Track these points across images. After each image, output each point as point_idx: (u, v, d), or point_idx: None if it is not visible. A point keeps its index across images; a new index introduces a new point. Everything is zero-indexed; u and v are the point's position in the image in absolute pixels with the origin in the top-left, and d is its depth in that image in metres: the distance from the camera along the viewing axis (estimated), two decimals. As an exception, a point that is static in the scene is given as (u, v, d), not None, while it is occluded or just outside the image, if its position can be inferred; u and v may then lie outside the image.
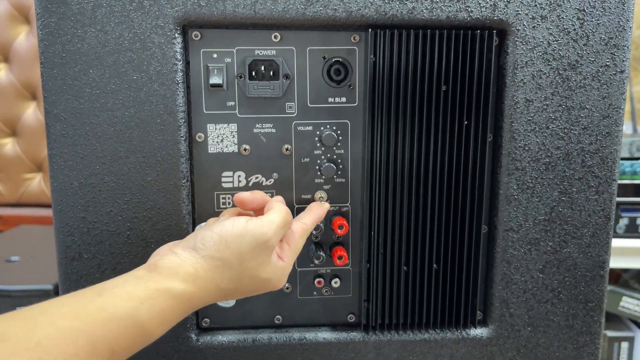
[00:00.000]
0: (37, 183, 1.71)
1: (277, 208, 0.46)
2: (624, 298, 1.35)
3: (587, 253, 0.56)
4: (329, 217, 0.56)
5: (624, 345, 1.35)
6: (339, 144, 0.55)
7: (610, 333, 1.37)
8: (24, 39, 1.63)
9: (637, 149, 1.27)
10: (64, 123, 0.50)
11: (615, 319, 1.42)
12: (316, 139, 0.54)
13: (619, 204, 1.26)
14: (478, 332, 0.57)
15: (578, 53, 0.52)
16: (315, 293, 0.58)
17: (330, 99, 0.54)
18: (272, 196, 0.55)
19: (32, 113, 1.66)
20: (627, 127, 1.50)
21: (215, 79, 0.51)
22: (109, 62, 0.49)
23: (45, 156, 1.68)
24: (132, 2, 0.48)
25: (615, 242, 1.25)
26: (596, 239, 0.56)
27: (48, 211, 1.69)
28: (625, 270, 1.50)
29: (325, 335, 0.57)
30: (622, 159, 1.27)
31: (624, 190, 1.27)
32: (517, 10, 0.51)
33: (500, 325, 0.57)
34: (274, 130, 0.54)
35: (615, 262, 1.26)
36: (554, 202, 0.55)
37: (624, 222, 1.28)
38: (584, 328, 0.58)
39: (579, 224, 0.55)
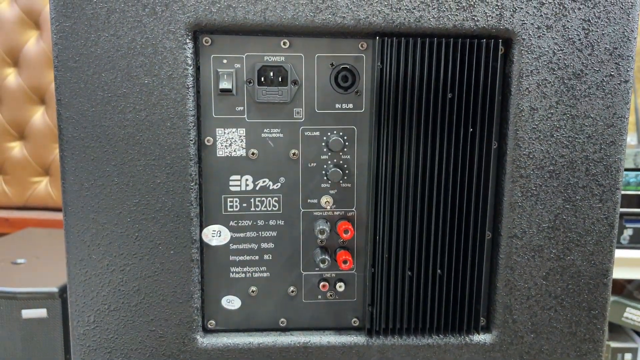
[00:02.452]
0: (44, 186, 1.73)
1: None
2: (627, 309, 1.35)
3: (591, 261, 0.56)
4: (334, 222, 0.56)
5: (628, 356, 1.35)
6: (345, 149, 0.55)
7: (614, 344, 1.37)
8: (34, 43, 1.65)
9: (642, 159, 1.28)
10: (76, 125, 0.51)
11: (618, 330, 1.42)
12: (323, 144, 0.55)
13: (623, 214, 1.26)
14: (481, 337, 0.58)
15: (583, 62, 0.53)
16: (320, 297, 0.58)
17: (338, 105, 0.55)
18: (278, 201, 0.56)
19: (40, 117, 1.68)
20: (632, 138, 1.50)
21: (224, 84, 0.52)
22: (121, 66, 0.50)
23: (52, 160, 1.70)
24: (144, 7, 0.49)
25: (620, 253, 1.25)
26: (600, 247, 0.56)
27: (54, 214, 1.71)
28: (630, 281, 1.49)
29: (329, 338, 0.57)
30: (627, 169, 1.27)
31: (629, 201, 1.27)
32: (523, 20, 0.52)
33: (503, 331, 0.57)
34: (281, 135, 0.55)
35: (619, 273, 1.26)
36: (558, 210, 0.55)
37: (628, 232, 1.28)
38: (587, 335, 0.58)
39: (582, 232, 0.56)
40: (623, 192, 1.26)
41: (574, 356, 0.58)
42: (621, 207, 1.29)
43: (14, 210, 1.74)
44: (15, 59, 1.67)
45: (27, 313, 1.13)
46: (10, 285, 1.14)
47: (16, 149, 1.72)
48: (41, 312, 1.14)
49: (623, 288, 1.50)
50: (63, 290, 1.14)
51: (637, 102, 1.45)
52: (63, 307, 1.14)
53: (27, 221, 1.69)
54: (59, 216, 1.69)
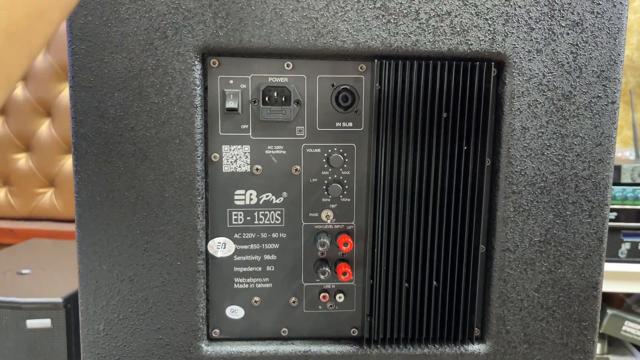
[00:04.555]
0: (48, 198, 1.75)
1: None
2: (626, 322, 1.36)
3: (581, 274, 0.59)
4: (334, 235, 0.59)
5: (626, 369, 1.36)
6: (345, 165, 0.58)
7: (613, 357, 1.38)
8: (41, 57, 1.68)
9: (639, 174, 1.29)
10: (90, 141, 0.53)
11: (618, 344, 1.43)
12: (324, 160, 0.58)
13: (621, 228, 1.28)
14: (476, 347, 0.60)
15: (571, 84, 0.55)
16: (320, 307, 0.60)
17: (338, 124, 0.57)
18: (280, 214, 0.58)
19: (46, 129, 1.71)
20: (630, 154, 1.52)
21: (231, 104, 0.55)
22: (133, 86, 0.53)
23: (57, 171, 1.72)
24: (156, 31, 0.52)
25: (618, 267, 1.27)
26: (589, 260, 0.58)
27: (59, 225, 1.73)
28: (629, 295, 1.51)
29: (329, 348, 0.59)
30: (625, 184, 1.29)
31: (627, 215, 1.29)
32: (514, 44, 0.55)
33: (497, 341, 0.59)
34: (284, 152, 0.57)
35: (617, 287, 1.28)
36: (549, 225, 0.58)
37: (626, 246, 1.29)
38: (578, 346, 0.60)
39: (573, 246, 0.58)
40: (621, 207, 1.28)
41: (565, 366, 0.60)
42: (619, 221, 1.31)
43: (19, 221, 1.77)
44: (23, 73, 1.70)
45: (31, 323, 1.15)
46: (15, 296, 1.16)
47: (22, 160, 1.74)
48: (45, 322, 1.16)
49: (623, 302, 1.51)
50: (67, 300, 1.16)
51: (635, 118, 1.47)
52: (67, 317, 1.16)
53: (32, 232, 1.71)
54: (63, 227, 1.72)
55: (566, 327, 0.59)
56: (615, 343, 1.43)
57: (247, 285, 0.59)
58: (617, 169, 1.28)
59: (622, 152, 1.54)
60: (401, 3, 0.53)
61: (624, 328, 1.37)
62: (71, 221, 1.71)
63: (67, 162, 1.72)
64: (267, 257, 0.59)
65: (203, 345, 0.58)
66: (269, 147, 0.57)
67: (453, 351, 0.59)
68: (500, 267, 0.58)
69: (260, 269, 0.59)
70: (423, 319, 0.59)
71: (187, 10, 0.52)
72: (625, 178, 1.31)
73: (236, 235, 0.58)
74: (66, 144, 1.71)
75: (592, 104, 0.56)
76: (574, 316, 0.59)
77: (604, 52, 0.55)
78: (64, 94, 1.68)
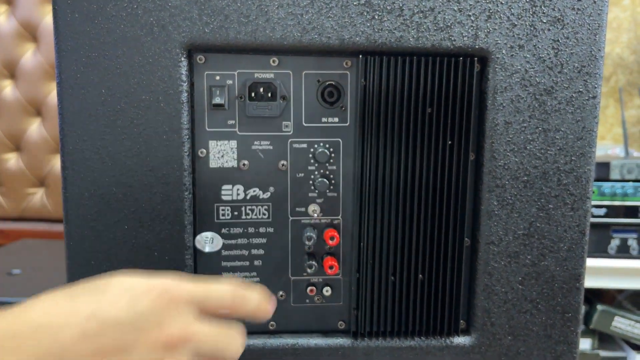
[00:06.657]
0: (39, 198, 1.74)
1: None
2: (616, 318, 1.37)
3: (564, 266, 0.59)
4: (321, 229, 0.59)
5: (616, 364, 1.37)
6: (331, 160, 0.58)
7: (604, 353, 1.39)
8: (31, 56, 1.68)
9: (628, 171, 1.31)
10: (77, 138, 0.54)
11: (608, 339, 1.44)
12: (310, 155, 0.58)
13: (610, 224, 1.29)
14: (461, 340, 0.60)
15: (553, 80, 0.56)
16: (307, 301, 0.61)
17: (324, 119, 0.58)
18: (267, 209, 0.59)
19: (36, 129, 1.70)
20: (620, 150, 1.53)
21: (217, 99, 0.55)
22: (120, 83, 0.53)
23: (48, 171, 1.72)
24: (142, 28, 0.53)
25: (607, 263, 1.27)
26: (572, 253, 0.59)
27: (49, 225, 1.72)
28: (621, 292, 1.52)
29: (316, 341, 0.60)
30: (614, 180, 1.30)
31: (616, 211, 1.30)
32: (497, 40, 0.55)
33: (482, 334, 0.60)
34: (271, 147, 0.58)
35: (606, 283, 1.29)
36: (532, 218, 0.58)
37: (615, 242, 1.30)
38: (562, 338, 0.61)
39: (556, 239, 0.59)
40: (610, 203, 1.29)
41: (549, 358, 0.61)
42: (608, 217, 1.32)
43: (10, 222, 1.76)
44: (12, 71, 1.70)
45: (22, 323, 1.15)
46: (5, 296, 1.15)
47: (12, 160, 1.74)
48: (36, 322, 1.15)
49: (614, 299, 1.53)
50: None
51: (625, 116, 1.48)
52: (58, 316, 1.16)
53: (23, 232, 1.70)
54: (54, 227, 1.71)
55: (550, 319, 0.60)
56: (606, 339, 1.44)
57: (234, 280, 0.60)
58: (607, 165, 1.29)
59: (613, 150, 1.56)
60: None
61: (613, 324, 1.38)
62: (62, 221, 1.71)
63: (58, 162, 1.72)
64: (254, 251, 0.60)
65: (191, 340, 0.58)
66: (255, 143, 0.57)
67: (439, 343, 0.60)
68: (484, 260, 0.59)
69: (247, 263, 0.60)
70: (409, 312, 0.60)
71: (173, 7, 0.53)
72: (614, 174, 1.32)
73: (224, 230, 0.59)
74: (57, 144, 1.70)
75: (573, 99, 0.57)
76: (557, 308, 0.60)
77: (584, 47, 0.56)
78: (54, 93, 1.68)
